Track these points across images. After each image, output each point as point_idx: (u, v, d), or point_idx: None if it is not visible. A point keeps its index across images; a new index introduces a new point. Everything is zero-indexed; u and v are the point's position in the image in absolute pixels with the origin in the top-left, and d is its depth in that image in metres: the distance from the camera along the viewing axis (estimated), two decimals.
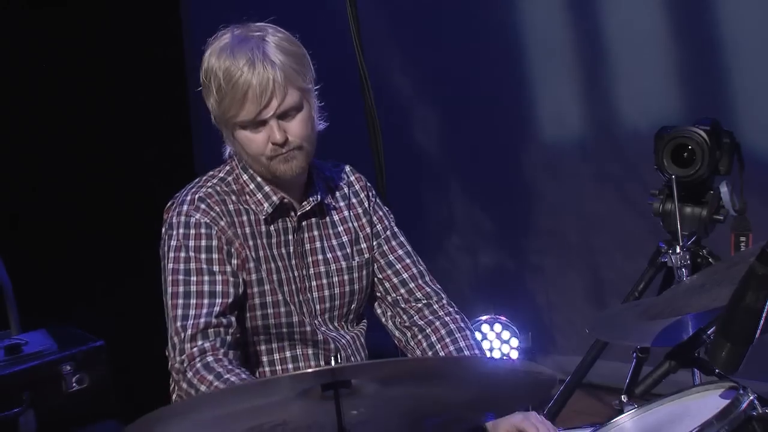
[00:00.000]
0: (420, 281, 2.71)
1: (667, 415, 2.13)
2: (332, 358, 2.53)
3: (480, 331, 4.33)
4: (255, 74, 2.42)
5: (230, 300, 2.51)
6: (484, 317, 4.33)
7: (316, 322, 2.63)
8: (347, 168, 2.76)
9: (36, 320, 3.72)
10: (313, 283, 2.63)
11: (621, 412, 2.24)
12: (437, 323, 2.68)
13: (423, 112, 4.97)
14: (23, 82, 4.24)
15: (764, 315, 1.89)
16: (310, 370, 1.85)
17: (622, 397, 2.35)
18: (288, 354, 2.62)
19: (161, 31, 4.71)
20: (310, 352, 2.62)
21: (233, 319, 2.52)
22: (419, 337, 2.68)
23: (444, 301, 2.72)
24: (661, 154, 3.45)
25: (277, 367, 2.61)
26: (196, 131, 4.92)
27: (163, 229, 2.59)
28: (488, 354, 4.10)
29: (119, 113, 4.43)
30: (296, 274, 2.61)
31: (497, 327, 4.32)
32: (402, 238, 2.75)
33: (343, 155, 2.81)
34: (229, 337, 2.49)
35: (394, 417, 1.97)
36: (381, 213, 2.74)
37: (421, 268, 2.73)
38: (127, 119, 4.45)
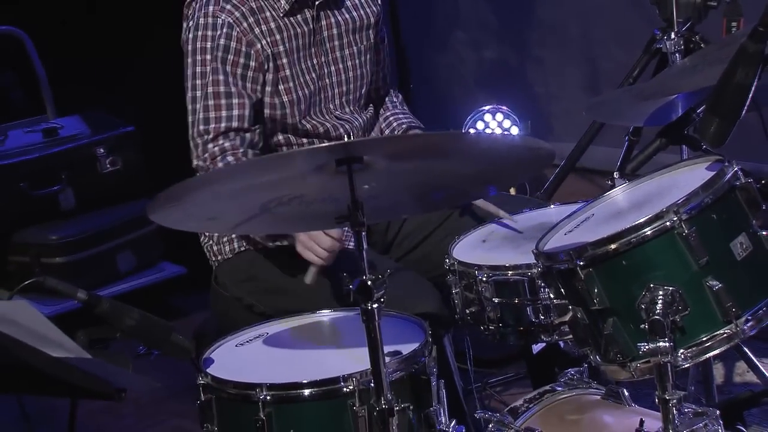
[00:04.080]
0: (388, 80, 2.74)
1: (656, 188, 2.11)
2: (345, 135, 2.54)
3: (483, 120, 4.29)
4: None
5: (247, 101, 2.46)
6: (487, 107, 4.28)
7: (331, 106, 2.59)
8: None
9: (70, 106, 3.70)
10: (332, 68, 2.59)
11: (613, 187, 2.22)
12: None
13: None
14: None
15: (752, 91, 1.85)
16: (324, 145, 1.83)
17: (615, 173, 2.33)
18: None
19: None
20: None
21: (252, 119, 2.47)
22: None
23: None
24: None
25: None
26: None
27: (186, 24, 2.51)
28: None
29: None
30: (315, 61, 2.56)
31: (499, 116, 4.28)
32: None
33: None
34: (248, 136, 2.47)
35: (403, 190, 1.96)
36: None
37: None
38: None
